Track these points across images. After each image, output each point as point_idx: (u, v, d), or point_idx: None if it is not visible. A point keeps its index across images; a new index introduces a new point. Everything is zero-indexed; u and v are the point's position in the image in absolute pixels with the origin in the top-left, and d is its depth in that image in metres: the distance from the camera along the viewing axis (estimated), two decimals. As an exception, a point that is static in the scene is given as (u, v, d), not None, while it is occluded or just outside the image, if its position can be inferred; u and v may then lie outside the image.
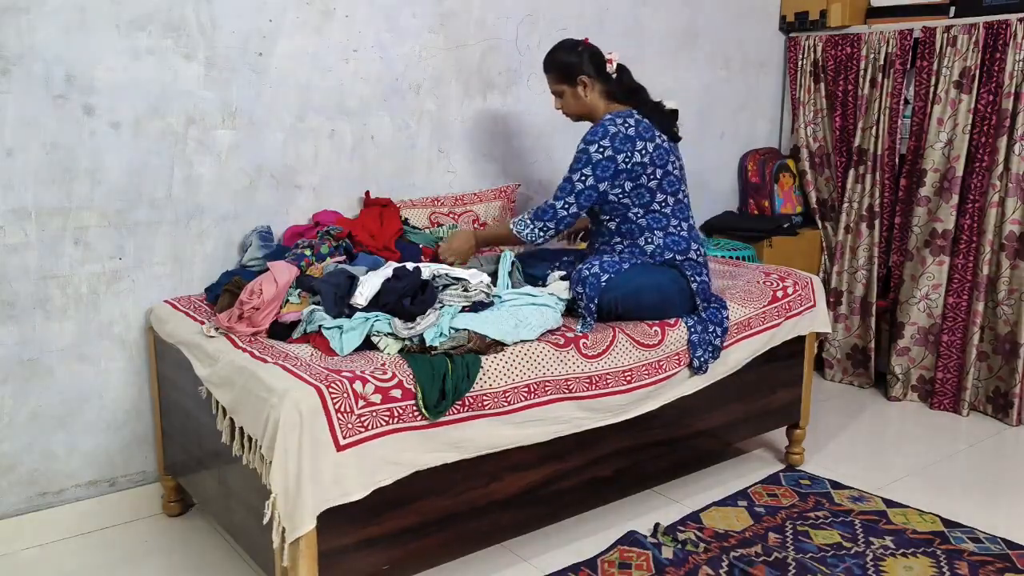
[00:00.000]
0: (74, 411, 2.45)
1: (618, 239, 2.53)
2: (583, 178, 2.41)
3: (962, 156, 3.31)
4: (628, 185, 2.44)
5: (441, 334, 2.07)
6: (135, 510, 2.57)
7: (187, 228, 2.55)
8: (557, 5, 3.24)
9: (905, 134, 3.55)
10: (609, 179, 2.41)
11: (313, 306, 2.20)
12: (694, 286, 2.48)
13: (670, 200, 2.50)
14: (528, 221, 2.47)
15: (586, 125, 2.60)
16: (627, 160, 2.41)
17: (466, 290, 2.23)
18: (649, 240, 2.49)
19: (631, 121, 2.44)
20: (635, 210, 2.47)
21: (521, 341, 2.14)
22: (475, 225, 3.01)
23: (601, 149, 2.40)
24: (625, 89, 2.56)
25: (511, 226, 2.51)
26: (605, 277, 2.36)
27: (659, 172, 2.46)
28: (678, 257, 2.49)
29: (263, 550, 1.88)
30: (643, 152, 2.43)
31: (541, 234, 2.47)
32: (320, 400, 1.79)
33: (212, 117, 2.54)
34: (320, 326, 2.11)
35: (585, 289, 2.33)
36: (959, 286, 3.38)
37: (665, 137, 2.49)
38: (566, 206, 2.43)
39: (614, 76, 2.55)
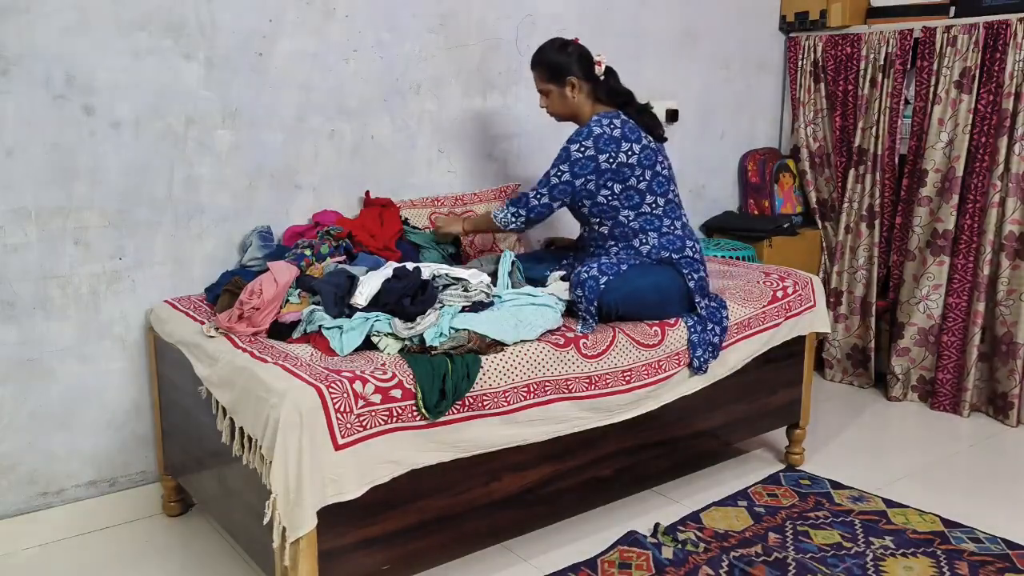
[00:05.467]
0: (74, 411, 2.45)
1: (612, 242, 2.54)
2: (559, 173, 2.46)
3: (962, 156, 3.31)
4: (617, 187, 2.46)
5: (441, 334, 2.07)
6: (135, 510, 2.57)
7: (187, 228, 2.55)
8: (557, 5, 3.24)
9: (905, 134, 3.55)
10: (587, 176, 2.44)
11: (313, 306, 2.20)
12: (691, 284, 2.48)
13: (660, 201, 2.51)
14: (505, 207, 2.57)
15: (571, 126, 2.61)
16: (611, 160, 2.43)
17: (466, 290, 2.23)
18: (644, 241, 2.50)
19: (616, 123, 2.46)
20: (625, 212, 2.48)
21: (521, 341, 2.14)
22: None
23: (582, 149, 2.43)
24: (612, 92, 2.57)
25: (492, 212, 2.61)
26: (604, 279, 2.36)
27: (648, 173, 2.48)
28: (674, 256, 2.50)
29: (263, 550, 1.88)
30: (629, 153, 2.45)
31: (513, 220, 2.55)
32: (320, 400, 1.79)
33: (212, 117, 2.54)
34: (320, 326, 2.11)
35: (584, 292, 2.33)
36: (959, 286, 3.38)
37: (651, 138, 2.51)
38: (538, 196, 2.50)
39: (601, 79, 2.56)
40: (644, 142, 2.48)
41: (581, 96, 2.55)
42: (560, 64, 2.53)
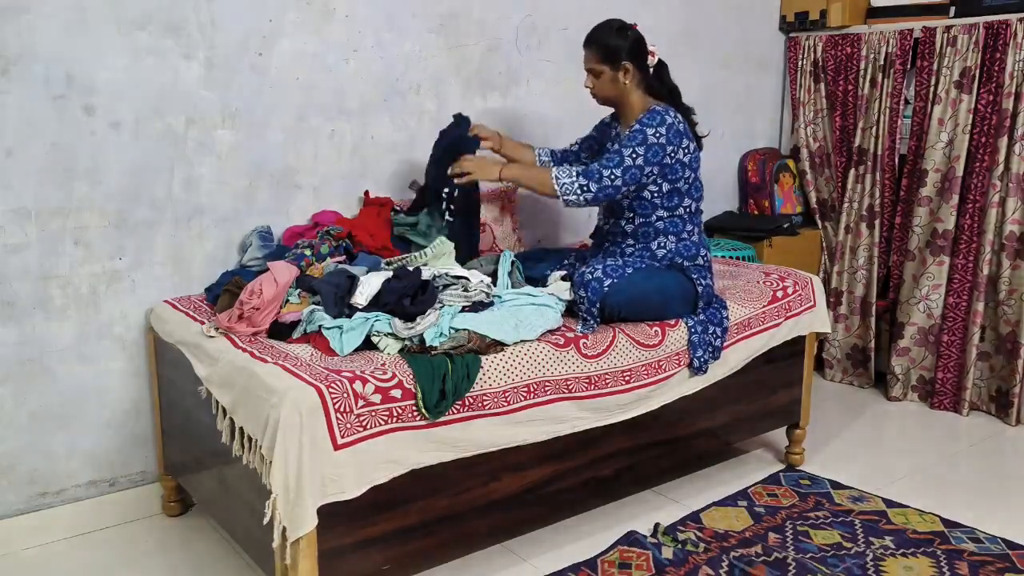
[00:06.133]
0: (74, 411, 2.44)
1: (631, 241, 2.52)
2: (634, 155, 2.35)
3: (962, 156, 3.31)
4: (665, 187, 2.43)
5: (441, 334, 2.07)
6: (135, 510, 2.57)
7: (187, 228, 2.55)
8: (557, 5, 3.24)
9: (905, 134, 3.55)
10: (653, 166, 2.36)
11: (313, 306, 2.20)
12: (699, 289, 2.48)
13: (692, 206, 2.50)
14: (575, 176, 2.35)
15: (607, 110, 2.59)
16: (673, 156, 2.39)
17: (466, 290, 2.23)
18: (662, 245, 2.49)
19: (680, 117, 2.44)
20: (660, 212, 2.46)
21: (521, 341, 2.14)
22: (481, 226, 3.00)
23: (657, 135, 2.37)
24: (662, 85, 2.54)
25: (553, 173, 2.37)
26: (608, 282, 2.36)
27: (691, 176, 2.46)
28: (686, 263, 2.49)
29: (263, 550, 1.88)
30: (686, 151, 2.43)
31: (581, 195, 2.35)
32: (320, 400, 1.79)
33: (212, 117, 2.54)
34: (320, 326, 2.11)
35: (587, 293, 2.33)
36: (959, 286, 3.38)
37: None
38: (612, 176, 2.35)
39: (651, 70, 2.52)
40: (695, 143, 2.47)
41: (632, 83, 2.48)
42: (617, 47, 2.46)
